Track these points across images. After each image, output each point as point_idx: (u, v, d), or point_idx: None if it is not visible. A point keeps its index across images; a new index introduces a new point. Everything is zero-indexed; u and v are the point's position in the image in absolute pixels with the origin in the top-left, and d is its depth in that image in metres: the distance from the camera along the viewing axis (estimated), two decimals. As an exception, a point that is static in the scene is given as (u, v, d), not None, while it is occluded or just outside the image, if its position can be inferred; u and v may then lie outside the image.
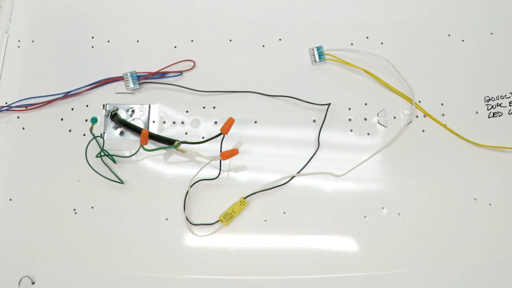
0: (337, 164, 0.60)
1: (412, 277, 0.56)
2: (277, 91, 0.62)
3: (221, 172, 0.59)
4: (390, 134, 0.61)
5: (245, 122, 0.61)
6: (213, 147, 0.59)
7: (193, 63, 0.63)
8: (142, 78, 0.62)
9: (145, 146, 0.55)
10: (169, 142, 0.58)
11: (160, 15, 0.66)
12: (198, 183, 0.58)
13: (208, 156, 0.56)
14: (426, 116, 0.62)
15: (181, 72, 0.63)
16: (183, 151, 0.58)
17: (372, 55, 0.63)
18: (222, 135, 0.56)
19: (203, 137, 0.60)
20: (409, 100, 0.62)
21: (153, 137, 0.59)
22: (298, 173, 0.59)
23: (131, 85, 0.61)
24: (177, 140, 0.56)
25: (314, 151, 0.60)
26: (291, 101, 0.62)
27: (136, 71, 0.62)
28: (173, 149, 0.59)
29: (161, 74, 0.62)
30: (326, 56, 0.63)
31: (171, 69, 0.62)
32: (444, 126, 0.61)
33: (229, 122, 0.54)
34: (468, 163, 0.60)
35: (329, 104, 0.61)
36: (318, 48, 0.63)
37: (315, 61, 0.63)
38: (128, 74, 0.62)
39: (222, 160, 0.58)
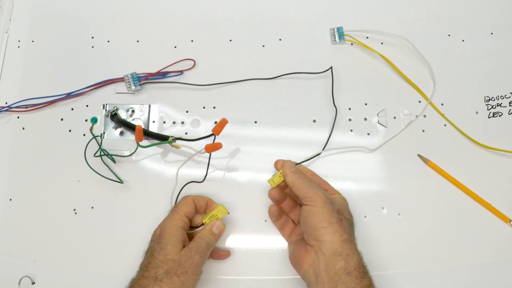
0: (337, 164, 0.60)
1: (412, 277, 0.56)
2: (277, 92, 0.62)
3: (212, 171, 0.58)
4: (390, 134, 0.61)
5: (245, 122, 0.61)
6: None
7: (193, 62, 0.63)
8: (142, 79, 0.62)
9: (140, 143, 0.55)
10: (163, 138, 0.58)
11: (160, 15, 0.66)
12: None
13: (196, 149, 0.55)
14: (427, 116, 0.62)
15: (181, 72, 0.63)
16: (177, 147, 0.58)
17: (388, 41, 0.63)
18: (213, 136, 0.54)
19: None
20: (425, 96, 0.62)
21: (148, 134, 0.59)
22: (323, 149, 0.60)
23: (133, 87, 0.61)
24: (172, 136, 0.56)
25: (334, 118, 0.61)
26: (292, 101, 0.62)
27: (137, 72, 0.62)
28: (171, 148, 0.59)
29: (162, 74, 0.62)
30: (346, 38, 0.64)
31: (171, 68, 0.62)
32: (448, 120, 0.61)
33: (222, 124, 0.54)
34: (469, 163, 0.60)
35: (331, 68, 0.61)
36: (339, 29, 0.64)
37: (335, 40, 0.64)
38: (129, 75, 0.61)
39: (209, 153, 0.56)
